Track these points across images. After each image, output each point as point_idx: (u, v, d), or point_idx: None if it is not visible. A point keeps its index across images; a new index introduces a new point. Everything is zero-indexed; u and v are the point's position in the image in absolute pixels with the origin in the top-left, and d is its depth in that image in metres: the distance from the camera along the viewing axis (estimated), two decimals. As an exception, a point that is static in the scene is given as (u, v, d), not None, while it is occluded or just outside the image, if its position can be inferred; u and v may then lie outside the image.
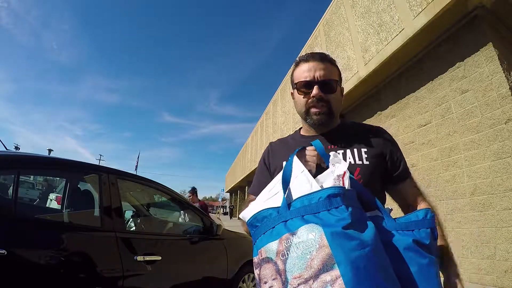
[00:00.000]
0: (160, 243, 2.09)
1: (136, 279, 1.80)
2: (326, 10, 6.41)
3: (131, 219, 2.54)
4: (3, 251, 1.29)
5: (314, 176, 0.65)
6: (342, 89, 0.90)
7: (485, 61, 3.18)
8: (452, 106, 3.55)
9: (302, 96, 0.84)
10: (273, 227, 0.56)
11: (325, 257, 0.47)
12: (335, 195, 0.55)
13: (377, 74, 4.67)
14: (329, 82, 0.82)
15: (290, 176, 0.64)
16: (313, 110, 0.83)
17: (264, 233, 0.58)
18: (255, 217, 0.61)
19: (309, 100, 0.83)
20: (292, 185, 0.62)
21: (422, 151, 3.92)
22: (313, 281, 0.46)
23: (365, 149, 0.81)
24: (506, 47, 3.40)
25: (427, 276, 0.59)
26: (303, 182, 0.62)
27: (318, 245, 0.48)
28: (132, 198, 2.75)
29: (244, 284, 2.70)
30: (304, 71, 0.83)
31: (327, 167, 0.68)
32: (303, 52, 7.94)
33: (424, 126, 3.97)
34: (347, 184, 0.60)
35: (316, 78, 0.81)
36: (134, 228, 2.48)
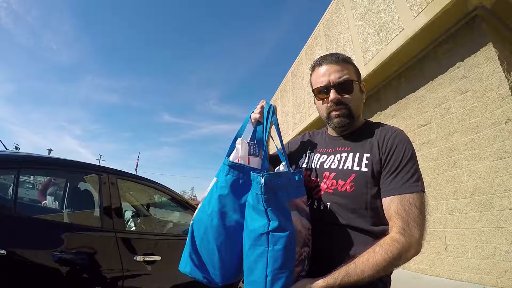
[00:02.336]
0: (160, 243, 2.09)
1: (136, 279, 1.80)
2: (326, 10, 6.41)
3: (131, 219, 2.53)
4: (3, 251, 1.29)
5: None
6: (361, 86, 0.85)
7: (485, 61, 3.18)
8: (452, 106, 3.54)
9: (321, 102, 0.83)
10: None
11: (204, 196, 0.81)
12: (227, 165, 0.77)
13: (377, 74, 4.67)
14: (344, 83, 0.79)
15: (242, 132, 0.85)
16: (333, 113, 0.81)
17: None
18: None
19: (329, 105, 0.81)
20: (237, 145, 0.84)
21: (422, 151, 3.92)
22: (199, 203, 0.84)
23: (368, 155, 0.76)
24: (506, 47, 3.41)
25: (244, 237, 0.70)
26: (234, 148, 0.84)
27: (208, 189, 0.81)
28: (132, 198, 2.75)
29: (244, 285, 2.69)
30: (319, 76, 0.82)
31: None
32: (303, 52, 7.95)
33: (424, 126, 3.97)
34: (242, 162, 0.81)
35: (331, 82, 0.79)
36: (134, 228, 2.47)
